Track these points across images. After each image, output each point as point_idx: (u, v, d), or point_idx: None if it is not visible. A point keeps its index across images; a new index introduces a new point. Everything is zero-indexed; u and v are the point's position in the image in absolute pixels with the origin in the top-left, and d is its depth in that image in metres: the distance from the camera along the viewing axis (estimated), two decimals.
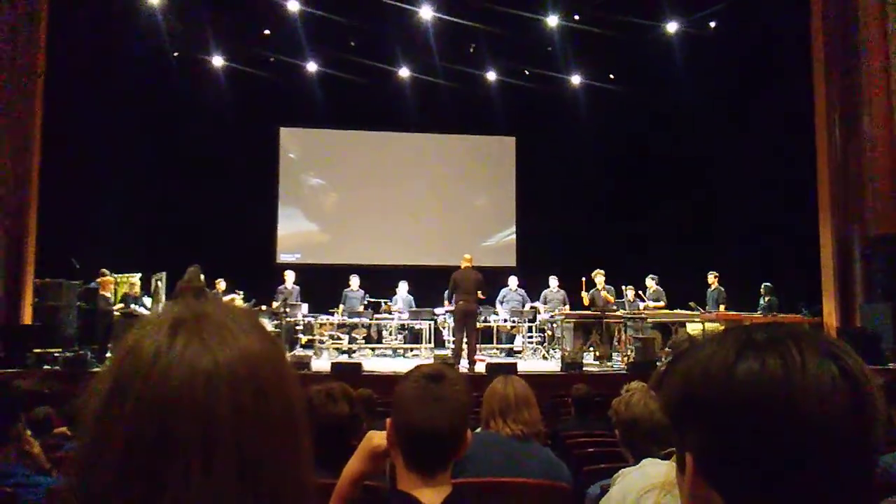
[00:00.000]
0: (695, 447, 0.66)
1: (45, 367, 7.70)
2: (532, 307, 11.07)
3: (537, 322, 11.03)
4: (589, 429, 4.04)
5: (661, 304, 10.26)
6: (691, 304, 9.95)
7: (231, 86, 12.60)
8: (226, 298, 9.51)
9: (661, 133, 12.81)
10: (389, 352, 10.94)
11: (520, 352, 10.97)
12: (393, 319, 10.92)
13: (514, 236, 14.29)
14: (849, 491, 0.61)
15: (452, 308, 9.14)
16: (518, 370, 7.49)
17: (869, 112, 9.22)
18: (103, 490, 0.57)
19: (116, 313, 9.14)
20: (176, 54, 12.06)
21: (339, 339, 10.58)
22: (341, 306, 10.83)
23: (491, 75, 13.18)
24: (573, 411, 4.64)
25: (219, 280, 10.29)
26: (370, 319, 10.76)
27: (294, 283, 10.84)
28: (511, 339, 11.39)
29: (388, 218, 13.79)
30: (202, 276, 8.34)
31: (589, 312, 9.42)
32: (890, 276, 8.72)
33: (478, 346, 9.28)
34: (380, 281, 11.62)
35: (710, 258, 11.29)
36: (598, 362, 9.14)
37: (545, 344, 10.83)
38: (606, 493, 1.77)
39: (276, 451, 0.61)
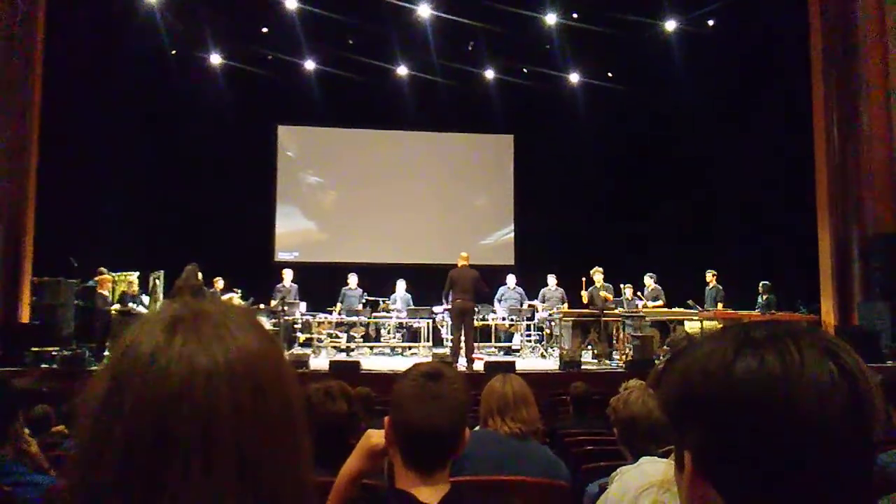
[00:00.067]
0: (693, 445, 0.66)
1: (43, 365, 7.70)
2: (530, 305, 11.07)
3: (536, 320, 11.03)
4: (587, 427, 4.04)
5: (660, 303, 10.26)
6: (689, 302, 9.96)
7: (229, 84, 12.58)
8: (224, 297, 9.49)
9: (660, 132, 12.82)
10: (388, 350, 10.92)
11: (518, 350, 10.95)
12: (391, 318, 10.91)
13: (512, 234, 14.29)
14: (847, 488, 0.61)
15: (449, 307, 9.13)
16: (516, 368, 7.50)
17: (867, 112, 9.22)
18: (102, 490, 0.57)
19: (114, 312, 9.13)
20: (174, 52, 12.04)
21: (337, 337, 10.57)
22: (339, 305, 10.82)
23: (489, 73, 13.17)
24: (571, 409, 4.64)
25: (217, 278, 10.29)
26: (368, 318, 10.76)
27: (292, 281, 10.84)
28: (509, 338, 11.39)
29: (387, 216, 13.76)
30: (199, 275, 8.34)
31: (587, 311, 9.42)
32: (888, 274, 8.74)
33: (476, 344, 9.27)
34: (378, 279, 11.61)
35: (709, 258, 11.29)
36: (596, 360, 9.15)
37: (543, 342, 10.82)
38: (605, 491, 1.77)
39: (276, 450, 0.61)
